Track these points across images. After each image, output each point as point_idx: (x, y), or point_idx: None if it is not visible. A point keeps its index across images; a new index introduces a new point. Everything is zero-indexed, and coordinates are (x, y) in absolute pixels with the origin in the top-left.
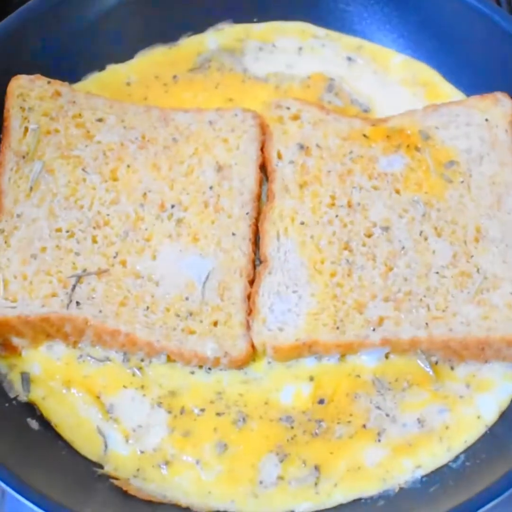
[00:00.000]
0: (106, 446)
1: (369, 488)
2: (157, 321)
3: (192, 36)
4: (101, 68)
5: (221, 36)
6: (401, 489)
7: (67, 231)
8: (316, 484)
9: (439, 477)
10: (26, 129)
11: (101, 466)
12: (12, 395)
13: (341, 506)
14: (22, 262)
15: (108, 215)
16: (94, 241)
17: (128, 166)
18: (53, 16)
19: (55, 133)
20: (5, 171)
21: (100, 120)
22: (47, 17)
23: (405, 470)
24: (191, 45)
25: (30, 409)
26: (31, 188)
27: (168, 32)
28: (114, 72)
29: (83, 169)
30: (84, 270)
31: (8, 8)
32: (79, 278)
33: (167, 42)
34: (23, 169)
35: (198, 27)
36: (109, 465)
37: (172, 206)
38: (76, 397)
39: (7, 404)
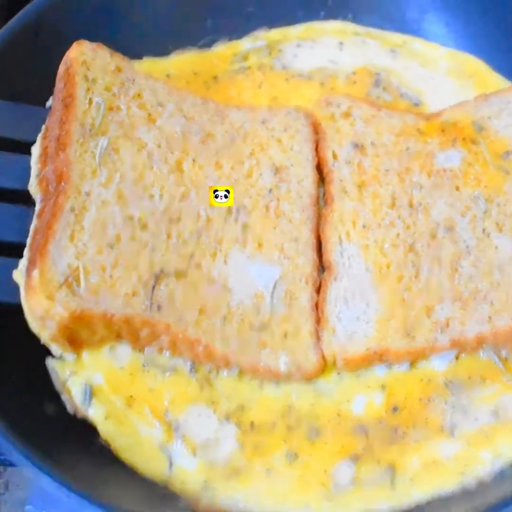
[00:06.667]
0: (171, 463)
1: (447, 482)
2: (233, 332)
3: (227, 42)
4: (139, 57)
5: (256, 40)
6: (481, 481)
7: (140, 220)
8: (392, 482)
9: None
10: (91, 100)
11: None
12: (70, 411)
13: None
14: (99, 251)
15: (179, 210)
16: (169, 236)
17: (194, 160)
18: None
19: (117, 110)
20: (72, 142)
21: (160, 104)
22: None
23: (484, 462)
24: (226, 49)
25: None
26: (99, 164)
27: (201, 40)
28: (152, 63)
29: (148, 156)
30: (162, 269)
31: None
32: (157, 278)
33: (201, 47)
34: (89, 143)
35: (234, 34)
36: (175, 480)
37: (237, 210)
38: (140, 416)
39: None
